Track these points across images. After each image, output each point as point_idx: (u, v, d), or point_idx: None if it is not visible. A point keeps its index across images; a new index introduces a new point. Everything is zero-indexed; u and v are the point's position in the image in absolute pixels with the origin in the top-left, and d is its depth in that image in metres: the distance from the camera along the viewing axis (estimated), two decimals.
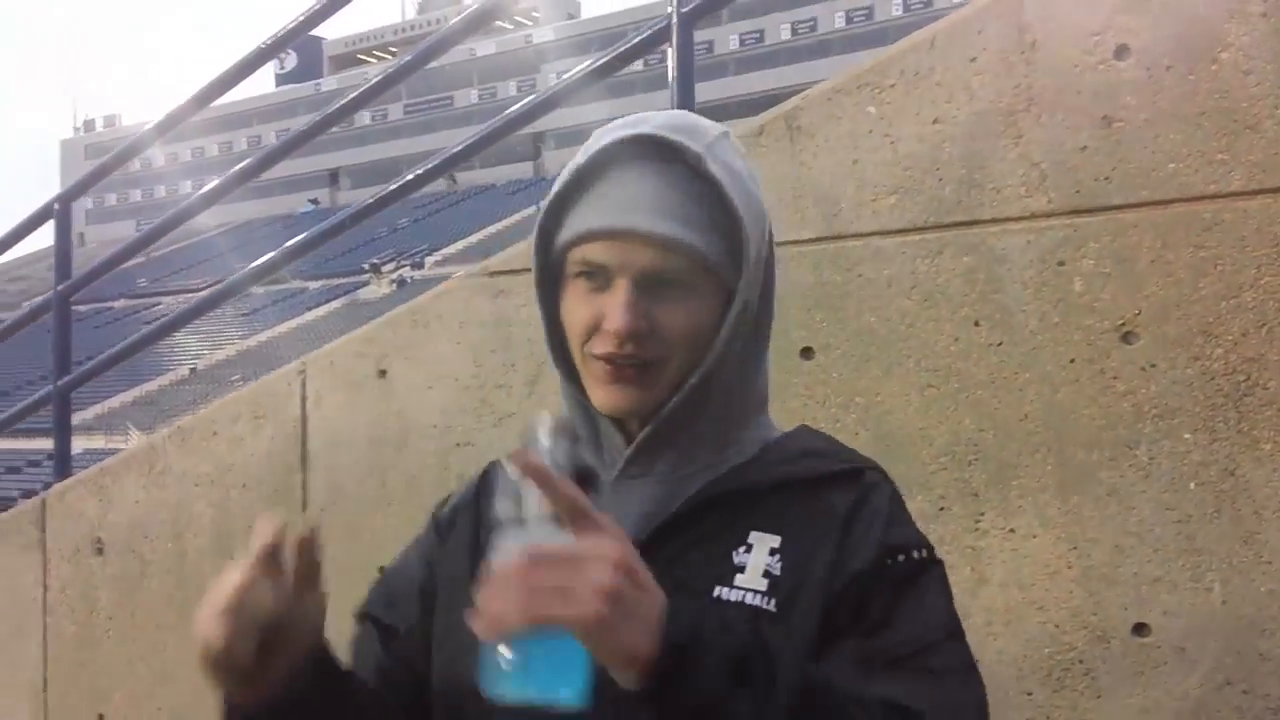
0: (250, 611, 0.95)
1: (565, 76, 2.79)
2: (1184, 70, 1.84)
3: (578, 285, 1.09)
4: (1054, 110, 1.93)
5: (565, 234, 1.09)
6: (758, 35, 58.69)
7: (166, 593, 3.10)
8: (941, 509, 2.00)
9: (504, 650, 0.84)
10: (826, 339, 2.12)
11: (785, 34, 58.05)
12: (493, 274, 2.50)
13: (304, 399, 2.78)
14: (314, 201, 68.72)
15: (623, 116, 1.14)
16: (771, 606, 1.04)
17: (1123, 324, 1.87)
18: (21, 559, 3.49)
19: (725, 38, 57.34)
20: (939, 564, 1.10)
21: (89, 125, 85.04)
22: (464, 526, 1.19)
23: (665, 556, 1.02)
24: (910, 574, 1.07)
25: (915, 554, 1.08)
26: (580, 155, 1.11)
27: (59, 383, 3.66)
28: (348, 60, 77.73)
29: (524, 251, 2.51)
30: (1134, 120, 1.86)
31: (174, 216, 3.78)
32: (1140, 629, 1.85)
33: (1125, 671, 1.86)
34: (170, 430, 3.18)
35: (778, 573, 1.05)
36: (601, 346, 1.07)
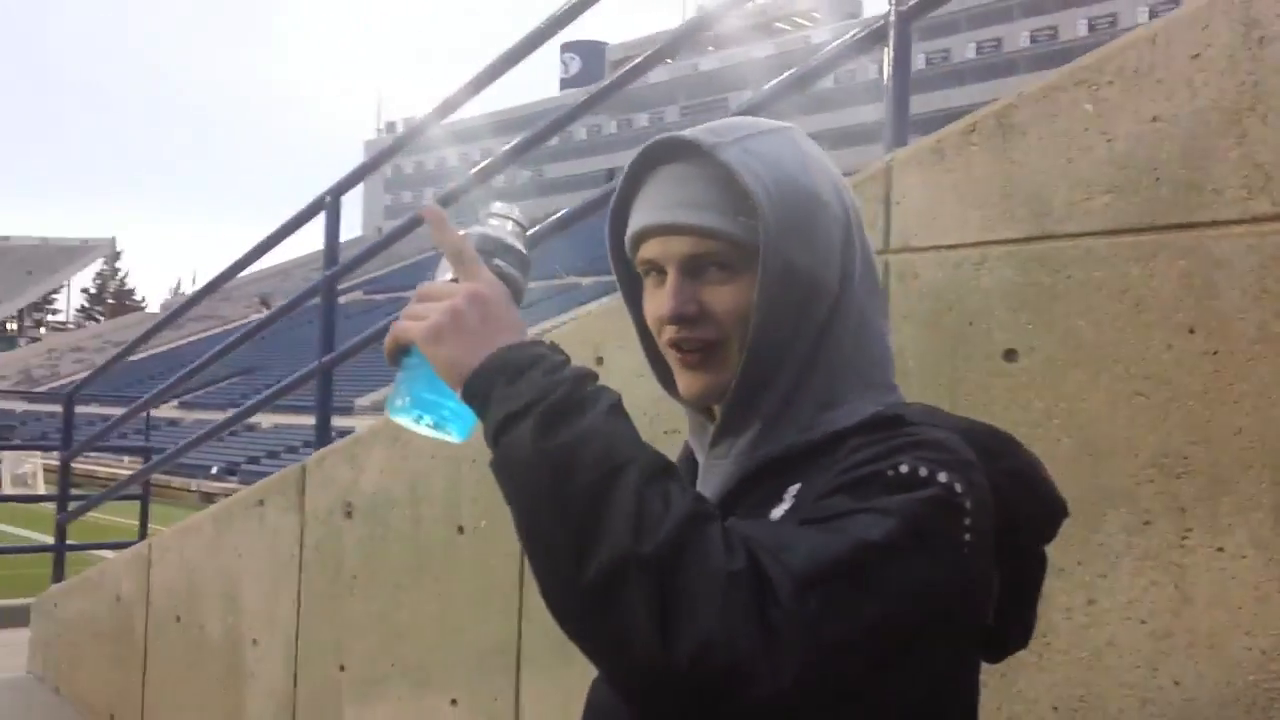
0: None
1: (778, 80, 2.81)
2: None
3: (647, 285, 1.19)
4: None
5: (628, 240, 1.20)
6: (996, 43, 57.31)
7: (404, 557, 3.31)
8: (1146, 523, 1.93)
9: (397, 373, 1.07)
10: (1031, 341, 2.07)
11: (1025, 41, 56.20)
12: None
13: None
14: None
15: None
16: None
17: None
18: (284, 520, 3.81)
19: (962, 45, 56.43)
20: (938, 484, 1.01)
21: (390, 127, 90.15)
22: None
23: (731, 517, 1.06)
24: (867, 476, 1.01)
25: (896, 468, 1.01)
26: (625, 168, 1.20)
27: (323, 359, 3.97)
28: (628, 65, 79.75)
29: None
30: None
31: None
32: None
33: None
34: None
35: (791, 508, 1.07)
36: (667, 335, 1.16)
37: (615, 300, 2.73)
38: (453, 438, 1.10)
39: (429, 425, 1.10)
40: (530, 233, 2.11)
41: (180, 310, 5.93)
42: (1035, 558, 1.26)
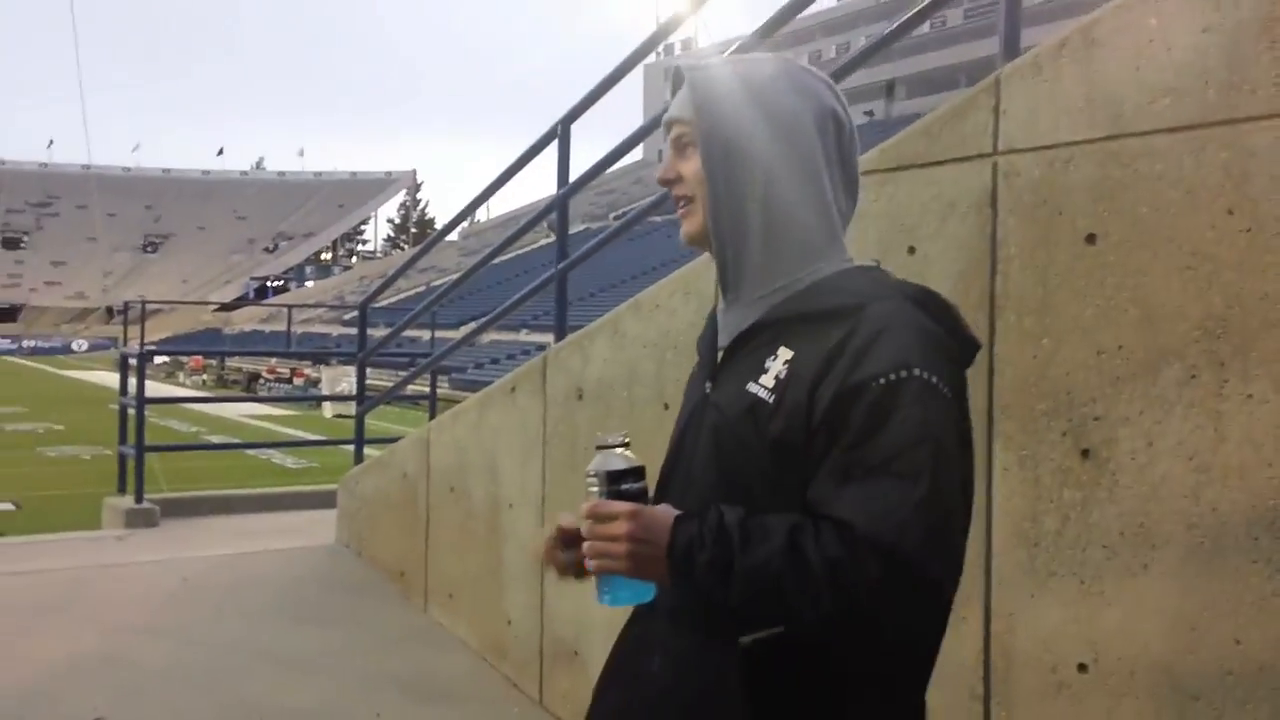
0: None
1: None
2: None
3: None
4: None
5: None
6: None
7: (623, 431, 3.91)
8: (1193, 376, 2.28)
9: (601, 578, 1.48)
10: (1107, 227, 2.43)
11: None
12: None
13: None
14: (869, 114, 69.51)
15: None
16: (771, 400, 1.47)
17: None
18: (531, 401, 4.49)
19: None
20: (914, 379, 1.38)
21: (669, 49, 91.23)
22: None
23: (733, 360, 1.57)
24: (881, 395, 1.38)
25: (886, 379, 1.38)
26: (669, 63, 1.72)
27: (559, 265, 4.61)
28: None
29: (874, 156, 2.98)
30: None
31: None
32: None
33: None
34: (629, 302, 3.98)
35: (783, 377, 1.48)
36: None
37: None
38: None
39: (623, 605, 1.51)
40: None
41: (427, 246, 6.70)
42: (965, 412, 1.55)
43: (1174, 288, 2.31)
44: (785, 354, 1.50)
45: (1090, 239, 2.46)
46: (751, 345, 1.55)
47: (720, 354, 1.61)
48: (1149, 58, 2.36)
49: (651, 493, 1.52)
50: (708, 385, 1.60)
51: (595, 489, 1.46)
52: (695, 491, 1.53)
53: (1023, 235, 2.60)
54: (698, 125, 1.57)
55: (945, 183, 2.77)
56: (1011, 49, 2.80)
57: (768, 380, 1.49)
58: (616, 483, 1.45)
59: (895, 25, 3.36)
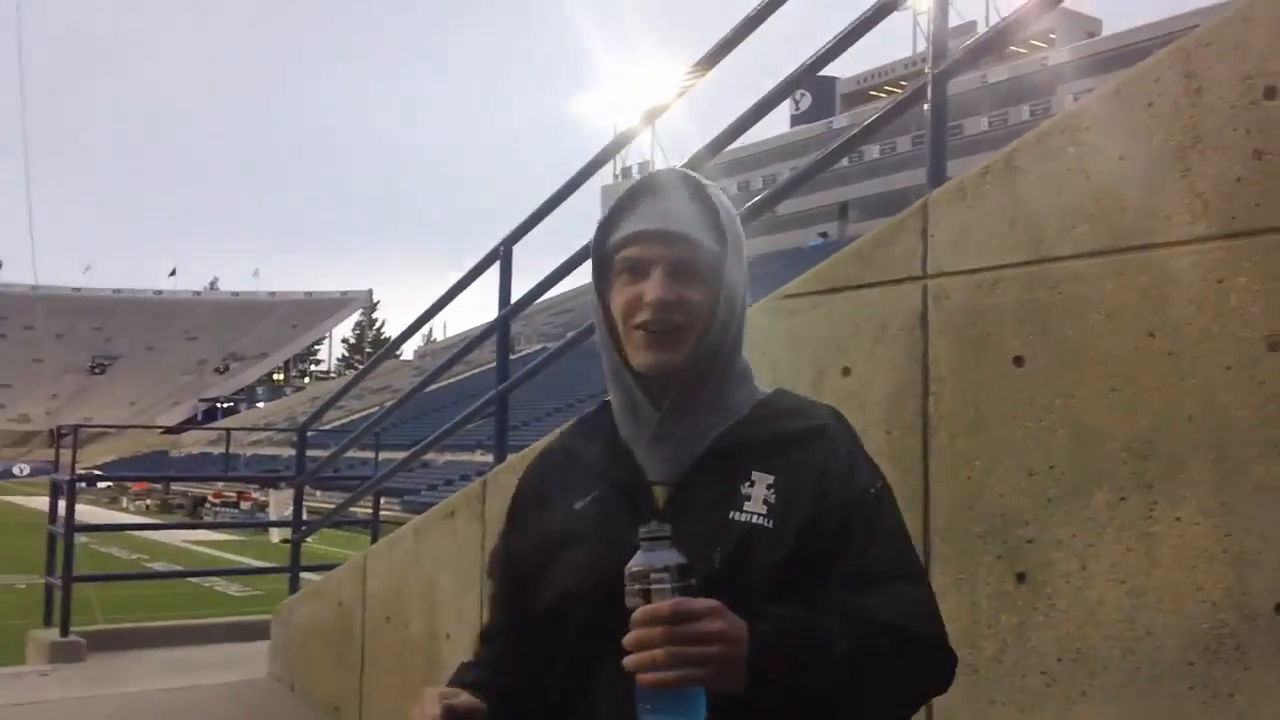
0: None
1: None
2: None
3: (622, 279, 1.54)
4: (1216, 146, 2.16)
5: (618, 235, 1.54)
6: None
7: None
8: (1122, 499, 2.28)
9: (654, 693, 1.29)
10: (1035, 349, 2.45)
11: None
12: (786, 297, 3.02)
13: None
14: (823, 235, 70.76)
15: None
16: (770, 525, 1.46)
17: (1270, 334, 2.07)
18: (470, 526, 4.43)
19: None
20: (887, 488, 1.53)
21: (626, 172, 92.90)
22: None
23: (693, 491, 1.50)
24: (874, 504, 1.50)
25: (874, 489, 1.51)
26: (628, 185, 1.59)
27: (499, 387, 4.59)
28: (859, 97, 79.06)
29: (808, 278, 3.02)
30: None
31: None
32: None
33: (1268, 647, 2.05)
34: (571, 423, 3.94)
35: (774, 501, 1.47)
36: (642, 316, 1.50)
37: None
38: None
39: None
40: None
41: (365, 373, 6.68)
42: None
43: (1101, 409, 2.32)
44: (764, 479, 1.49)
45: (1018, 361, 2.47)
46: (712, 475, 1.51)
47: (657, 488, 1.52)
48: (1068, 184, 2.41)
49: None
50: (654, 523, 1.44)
51: (665, 585, 1.29)
52: None
53: (953, 357, 2.61)
54: (722, 253, 1.53)
55: (877, 304, 2.79)
56: (938, 175, 2.85)
57: (756, 506, 1.47)
58: (686, 577, 1.30)
59: (828, 152, 3.42)
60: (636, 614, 1.28)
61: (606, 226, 1.58)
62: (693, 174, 1.58)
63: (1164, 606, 2.20)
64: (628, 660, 1.27)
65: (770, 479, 1.49)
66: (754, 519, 1.46)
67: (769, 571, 1.43)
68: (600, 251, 1.58)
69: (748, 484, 1.49)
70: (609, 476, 1.55)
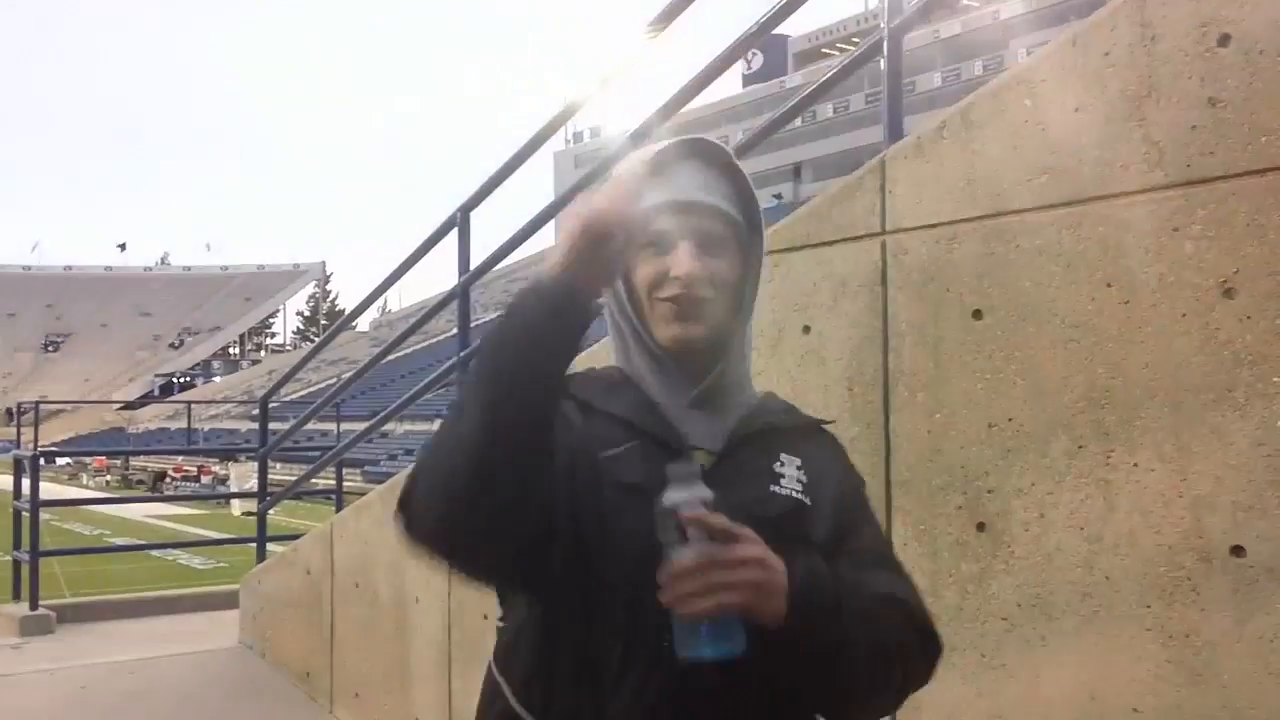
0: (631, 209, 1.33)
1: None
2: (1276, 53, 2.05)
3: (647, 250, 1.49)
4: (1170, 95, 2.19)
5: (644, 205, 1.42)
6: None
7: None
8: (1080, 447, 2.31)
9: (692, 627, 1.28)
10: (993, 301, 2.47)
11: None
12: None
13: None
14: (777, 196, 70.82)
15: None
16: (808, 501, 1.51)
17: (1224, 281, 2.10)
18: None
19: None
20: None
21: (578, 137, 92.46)
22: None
23: (735, 461, 1.50)
24: (865, 499, 1.65)
25: (863, 485, 1.66)
26: (646, 154, 1.52)
27: (461, 353, 4.58)
28: (812, 55, 78.89)
29: (767, 238, 3.01)
30: (1234, 100, 2.10)
31: None
32: (1237, 551, 2.08)
33: (1224, 588, 2.10)
34: None
35: (806, 480, 1.52)
36: (669, 290, 1.47)
37: None
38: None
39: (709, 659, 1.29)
40: None
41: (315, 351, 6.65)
42: None
43: (1058, 360, 2.35)
44: (793, 460, 1.53)
45: (977, 314, 2.50)
46: (751, 449, 1.53)
47: (697, 454, 1.49)
48: (1025, 138, 2.43)
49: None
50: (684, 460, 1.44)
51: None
52: None
53: (913, 312, 2.63)
54: (744, 227, 1.54)
55: (836, 262, 2.81)
56: (895, 131, 2.86)
57: (792, 485, 1.50)
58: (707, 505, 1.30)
59: (781, 112, 3.42)
60: (682, 553, 1.27)
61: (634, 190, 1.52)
62: (717, 144, 1.55)
63: (1121, 552, 2.24)
64: (666, 596, 1.26)
65: (798, 461, 1.54)
66: (793, 494, 1.50)
67: (808, 544, 1.46)
68: None
69: (779, 464, 1.52)
70: (650, 431, 1.49)
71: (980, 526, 2.46)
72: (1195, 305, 2.14)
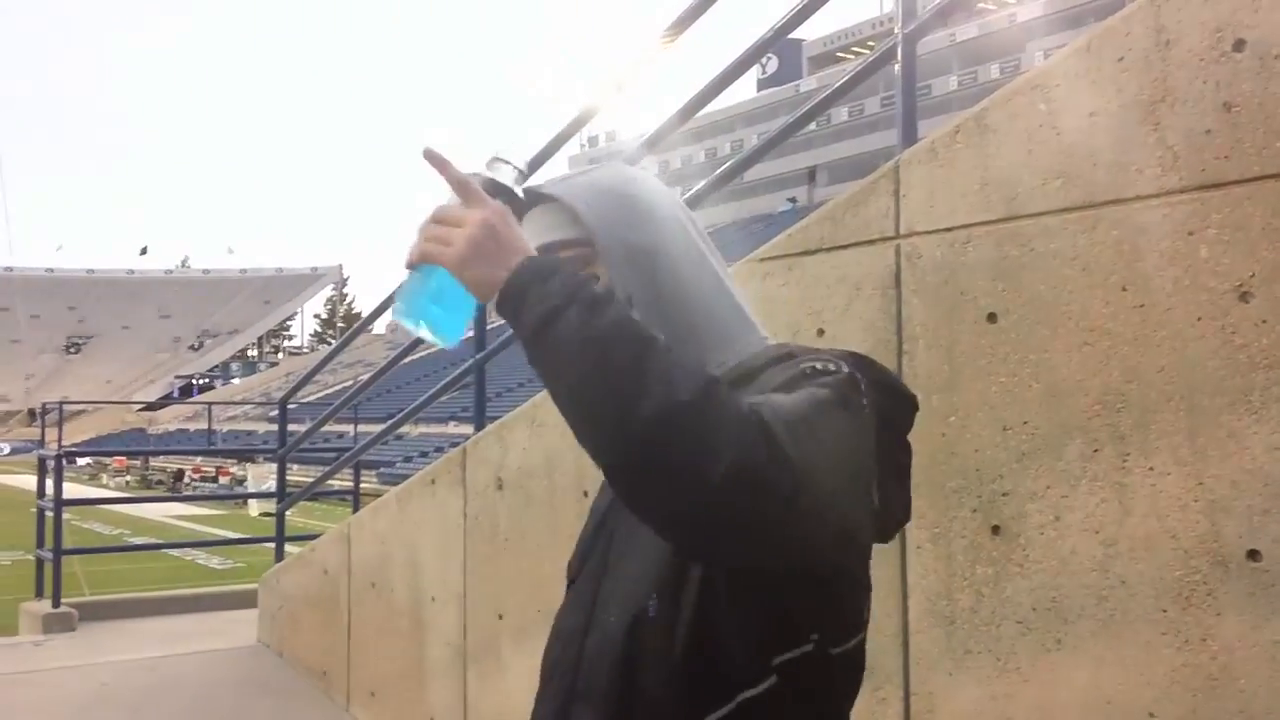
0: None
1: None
2: None
3: None
4: (1185, 100, 2.19)
5: None
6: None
7: (543, 519, 3.89)
8: (1096, 450, 2.31)
9: (408, 279, 1.27)
10: (1007, 305, 2.48)
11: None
12: (759, 261, 3.04)
13: None
14: (792, 200, 70.73)
15: None
16: None
17: (1240, 285, 2.10)
18: (451, 493, 4.44)
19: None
20: (839, 372, 1.31)
21: (593, 141, 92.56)
22: None
23: None
24: (793, 377, 1.28)
25: (804, 368, 1.30)
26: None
27: (477, 355, 4.60)
28: (827, 59, 78.81)
29: (781, 242, 3.03)
30: (1249, 105, 2.10)
31: None
32: (1253, 555, 2.08)
33: (1240, 593, 2.09)
34: (546, 390, 3.96)
35: None
36: None
37: None
38: (446, 343, 1.31)
39: (427, 330, 1.29)
40: None
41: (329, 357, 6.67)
42: (903, 445, 1.49)
43: (1074, 363, 2.35)
44: None
45: (992, 318, 2.50)
46: None
47: None
48: (1039, 141, 2.43)
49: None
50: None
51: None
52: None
53: (927, 315, 2.64)
54: (597, 238, 1.42)
55: (850, 265, 2.81)
56: (909, 135, 2.87)
57: None
58: (494, 196, 1.27)
59: (798, 115, 3.43)
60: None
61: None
62: (547, 182, 1.49)
63: (1137, 555, 2.24)
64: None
65: None
66: None
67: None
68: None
69: None
70: None
71: (995, 530, 2.46)
72: (1211, 309, 2.14)
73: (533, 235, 1.39)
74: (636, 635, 1.33)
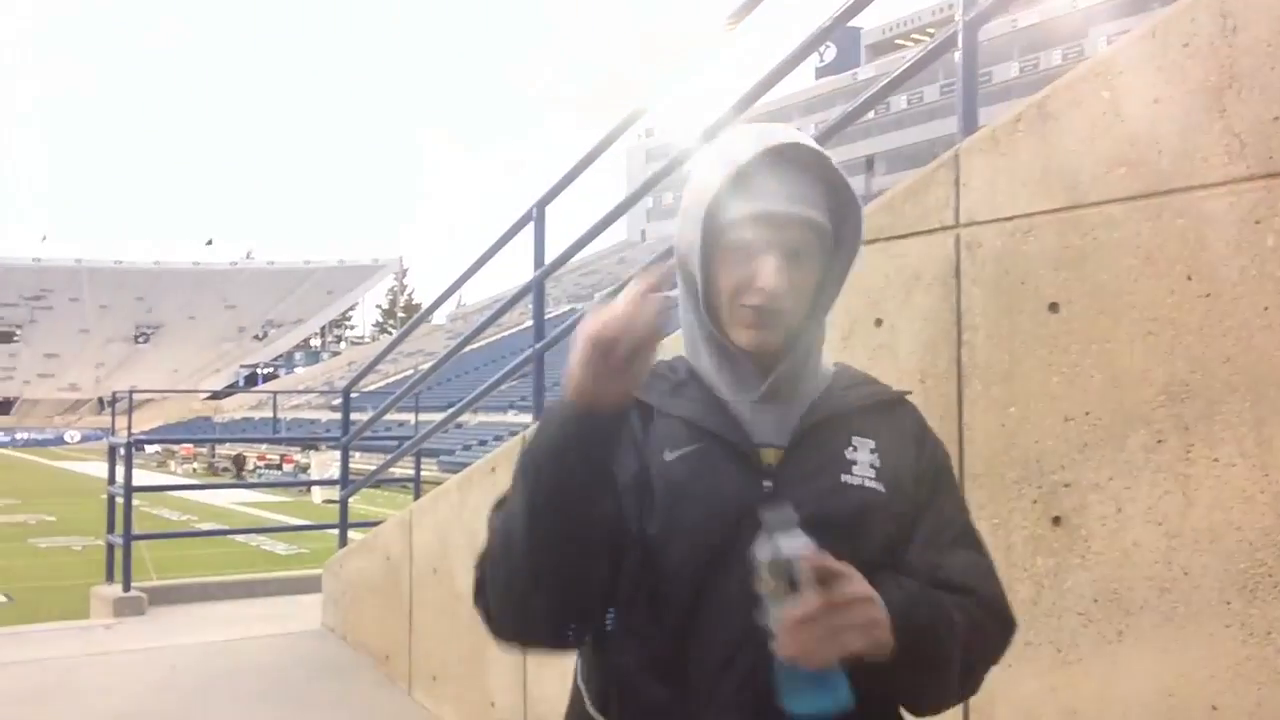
0: (641, 320, 1.27)
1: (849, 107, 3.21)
2: None
3: (734, 255, 1.48)
4: (1251, 86, 2.16)
5: (734, 212, 1.46)
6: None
7: None
8: (1159, 441, 2.29)
9: (798, 675, 1.26)
10: (1069, 295, 2.46)
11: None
12: None
13: None
14: None
15: None
16: (881, 488, 1.48)
17: None
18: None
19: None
20: (949, 458, 1.64)
21: (649, 132, 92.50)
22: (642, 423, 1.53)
23: (803, 453, 1.49)
24: (946, 465, 1.61)
25: (947, 456, 1.62)
26: (732, 157, 1.49)
27: (536, 344, 4.63)
28: (885, 47, 78.21)
29: None
30: None
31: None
32: None
33: None
34: None
35: (879, 465, 1.50)
36: (752, 299, 1.46)
37: None
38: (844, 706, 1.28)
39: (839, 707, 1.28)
40: None
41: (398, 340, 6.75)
42: None
43: (1137, 353, 2.33)
44: (866, 443, 1.52)
45: (1053, 307, 2.48)
46: (819, 439, 1.51)
47: (764, 451, 1.50)
48: (1103, 129, 2.40)
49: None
50: (767, 483, 1.46)
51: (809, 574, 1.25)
52: None
53: (987, 305, 2.62)
54: (834, 233, 1.51)
55: (910, 255, 2.80)
56: (970, 124, 2.85)
57: (865, 471, 1.49)
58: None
59: (858, 103, 3.42)
60: (799, 608, 1.25)
61: (720, 198, 1.49)
62: (809, 146, 1.49)
63: (1201, 547, 2.22)
64: (786, 648, 1.25)
65: (871, 443, 1.52)
66: (865, 483, 1.48)
67: (882, 535, 1.47)
68: (711, 223, 1.50)
69: (851, 449, 1.51)
70: (716, 431, 1.50)
71: (1056, 521, 2.45)
72: (1278, 298, 2.11)
73: (782, 197, 1.48)
74: None
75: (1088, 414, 2.41)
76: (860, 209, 1.54)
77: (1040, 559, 2.48)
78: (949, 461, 1.62)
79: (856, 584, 1.28)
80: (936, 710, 1.49)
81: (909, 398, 1.64)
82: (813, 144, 1.50)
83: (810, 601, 1.24)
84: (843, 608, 1.25)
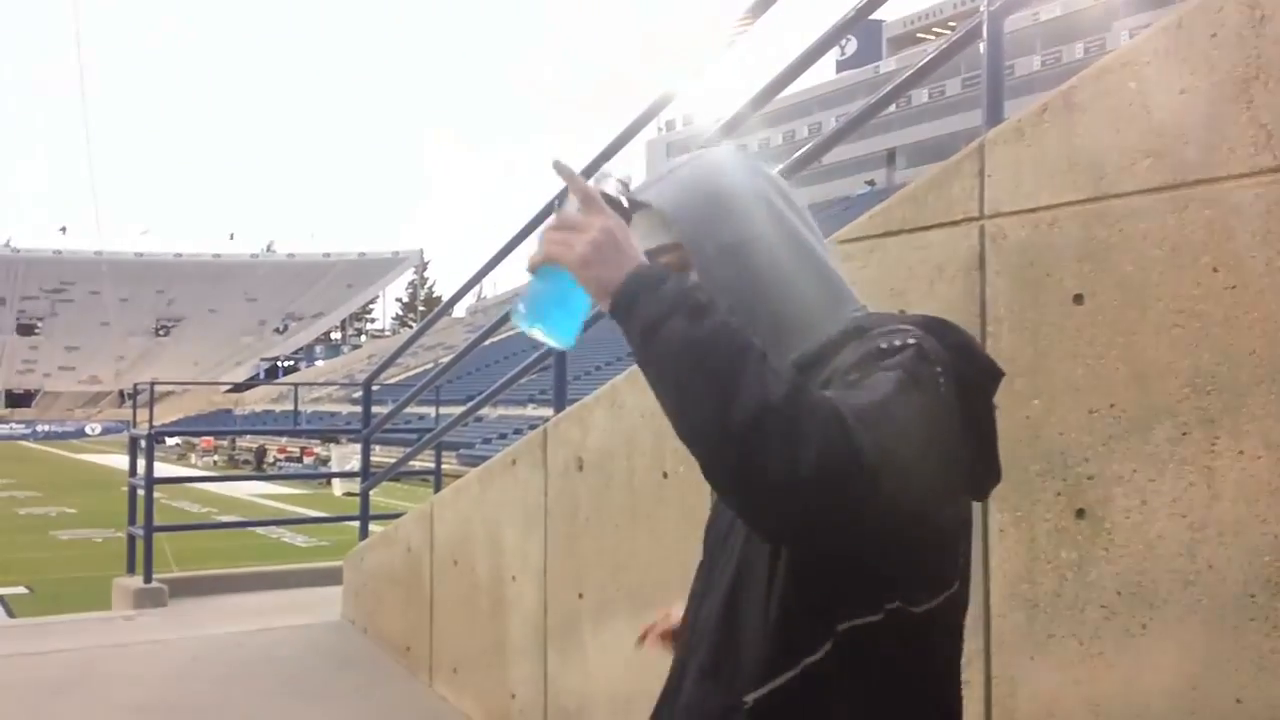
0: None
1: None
2: None
3: None
4: (1279, 77, 2.14)
5: None
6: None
7: (622, 501, 3.92)
8: (1184, 434, 2.28)
9: (529, 283, 1.34)
10: (1095, 286, 2.45)
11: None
12: (840, 243, 3.03)
13: None
14: (870, 183, 69.99)
15: None
16: None
17: None
18: (532, 473, 4.49)
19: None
20: (908, 348, 1.31)
21: (669, 125, 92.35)
22: None
23: None
24: (863, 357, 1.32)
25: (873, 347, 1.33)
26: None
27: None
28: (906, 40, 77.73)
29: (863, 223, 3.02)
30: None
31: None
32: None
33: None
34: (627, 373, 3.99)
35: None
36: None
37: None
38: (561, 345, 1.38)
39: (542, 331, 1.36)
40: None
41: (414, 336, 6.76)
42: (987, 411, 1.47)
43: (1163, 345, 2.32)
44: None
45: (1078, 299, 2.47)
46: None
47: None
48: (1129, 120, 2.39)
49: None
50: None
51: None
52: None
53: (1011, 297, 2.62)
54: (685, 241, 1.46)
55: (933, 247, 2.80)
56: (995, 115, 2.84)
57: None
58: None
59: (881, 95, 3.41)
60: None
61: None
62: (639, 187, 1.51)
63: (1226, 540, 2.21)
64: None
65: None
66: None
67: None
68: None
69: None
70: None
71: (1080, 513, 2.44)
72: None
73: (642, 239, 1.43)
74: (734, 600, 1.42)
75: (1112, 406, 2.40)
76: (680, 216, 1.48)
77: (1064, 552, 2.47)
78: (870, 352, 1.33)
79: (592, 216, 1.31)
80: (689, 441, 1.21)
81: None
82: (634, 194, 1.49)
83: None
84: (568, 224, 1.31)
